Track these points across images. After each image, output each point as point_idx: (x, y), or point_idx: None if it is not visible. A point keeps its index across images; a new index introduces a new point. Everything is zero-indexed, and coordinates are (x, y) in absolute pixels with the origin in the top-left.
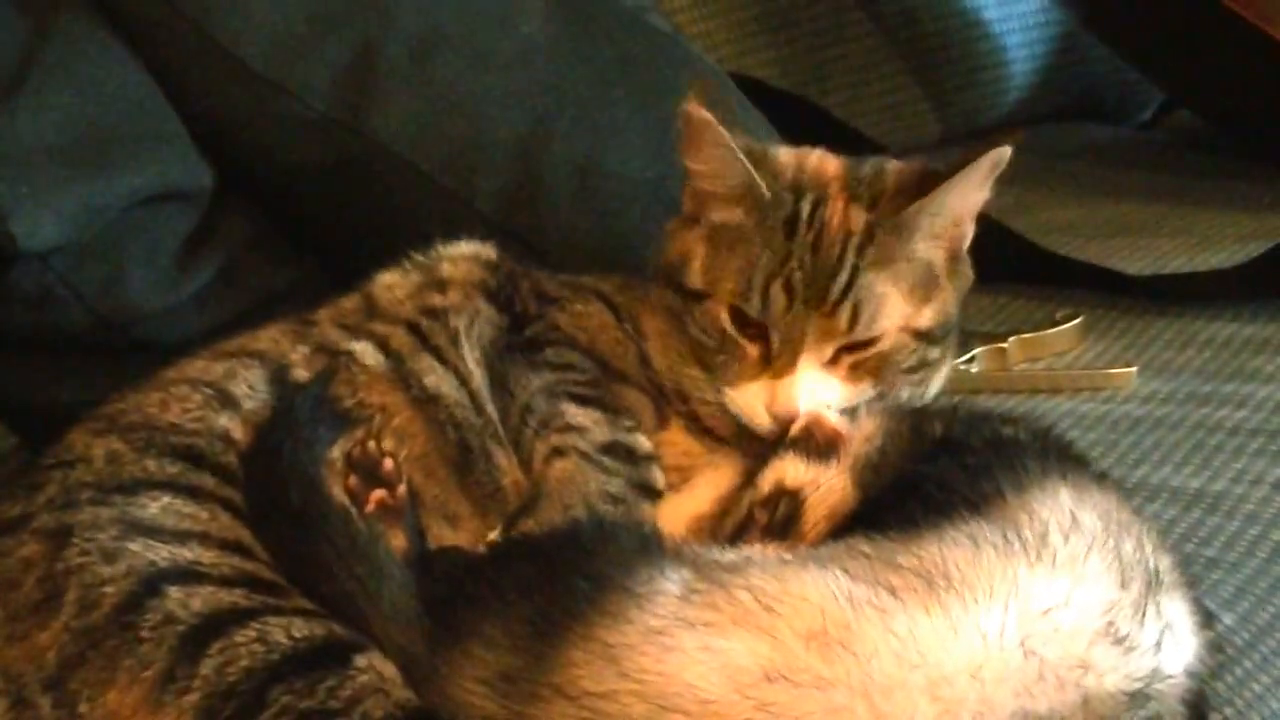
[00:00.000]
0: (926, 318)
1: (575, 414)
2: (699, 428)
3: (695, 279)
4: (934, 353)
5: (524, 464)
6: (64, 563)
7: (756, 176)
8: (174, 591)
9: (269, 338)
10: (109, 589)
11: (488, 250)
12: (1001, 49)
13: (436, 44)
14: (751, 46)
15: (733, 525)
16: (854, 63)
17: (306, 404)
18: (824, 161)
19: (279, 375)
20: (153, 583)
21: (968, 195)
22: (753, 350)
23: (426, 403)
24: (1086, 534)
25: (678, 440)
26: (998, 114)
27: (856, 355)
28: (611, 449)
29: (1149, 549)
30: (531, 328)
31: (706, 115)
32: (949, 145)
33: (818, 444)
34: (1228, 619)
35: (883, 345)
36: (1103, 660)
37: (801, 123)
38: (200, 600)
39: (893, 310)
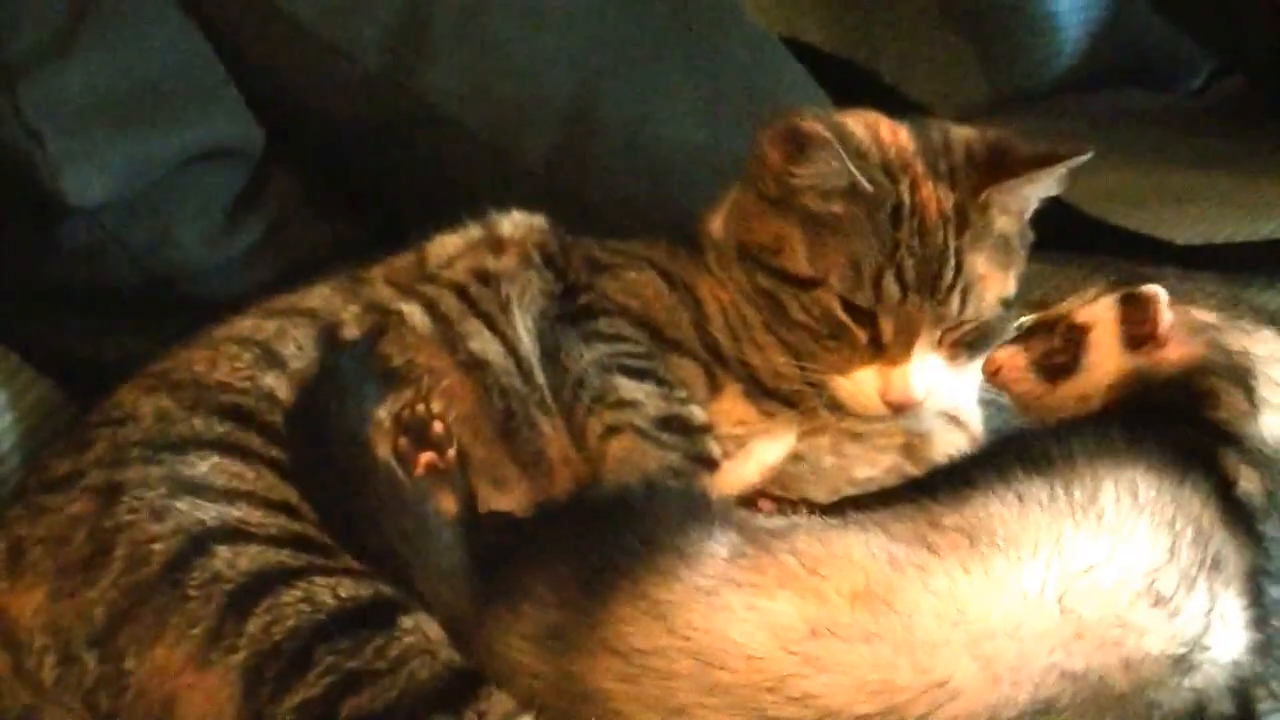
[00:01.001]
0: (1011, 286)
1: (628, 388)
2: (756, 392)
3: (800, 266)
4: (1012, 315)
5: (576, 437)
6: (113, 520)
7: (861, 178)
8: (222, 550)
9: (320, 295)
10: (158, 546)
11: (540, 220)
12: (1053, 14)
13: (486, 3)
14: (802, 9)
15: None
16: (904, 27)
17: (353, 362)
18: (896, 134)
19: (329, 334)
20: (201, 541)
21: (1045, 186)
22: (863, 336)
23: (473, 367)
24: (1141, 503)
25: (733, 408)
26: (1048, 79)
27: (959, 333)
28: (667, 423)
29: (1216, 542)
30: (584, 296)
31: (826, 134)
32: (998, 112)
33: None
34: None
35: (983, 317)
36: (1142, 620)
37: (851, 87)
38: (248, 559)
39: (992, 287)
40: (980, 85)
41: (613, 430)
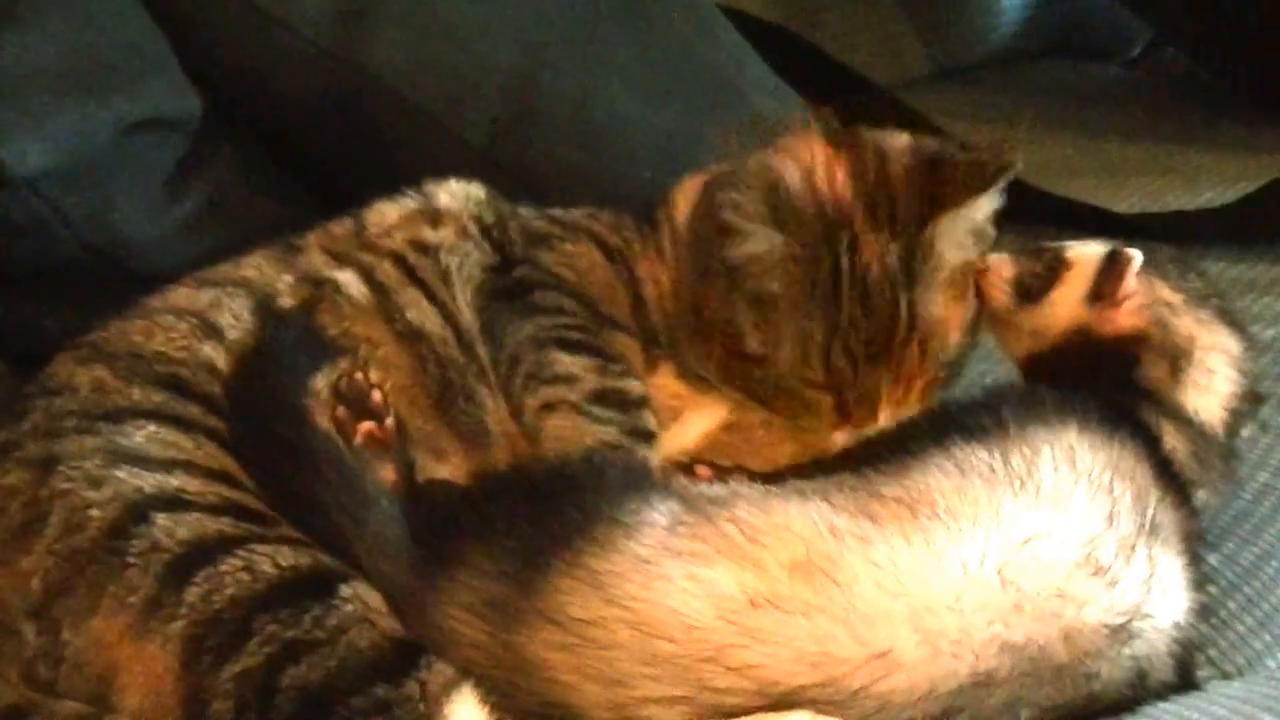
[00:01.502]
0: (971, 306)
1: (564, 362)
2: (689, 371)
3: (752, 345)
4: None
5: (514, 413)
6: (49, 489)
7: (795, 248)
8: (161, 519)
9: (253, 265)
10: (94, 513)
11: (477, 189)
12: None
13: None
14: None
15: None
16: None
17: (290, 333)
18: (833, 177)
19: (264, 304)
20: (139, 509)
21: (983, 208)
22: (826, 403)
23: (410, 337)
24: (1079, 470)
25: (667, 383)
26: (987, 49)
27: (924, 380)
28: (602, 397)
29: (1153, 504)
30: (520, 270)
31: (735, 196)
32: (938, 81)
33: None
34: (1212, 559)
35: (947, 356)
36: (1080, 591)
37: (792, 57)
38: (186, 528)
39: (955, 326)
40: (920, 56)
41: (549, 407)
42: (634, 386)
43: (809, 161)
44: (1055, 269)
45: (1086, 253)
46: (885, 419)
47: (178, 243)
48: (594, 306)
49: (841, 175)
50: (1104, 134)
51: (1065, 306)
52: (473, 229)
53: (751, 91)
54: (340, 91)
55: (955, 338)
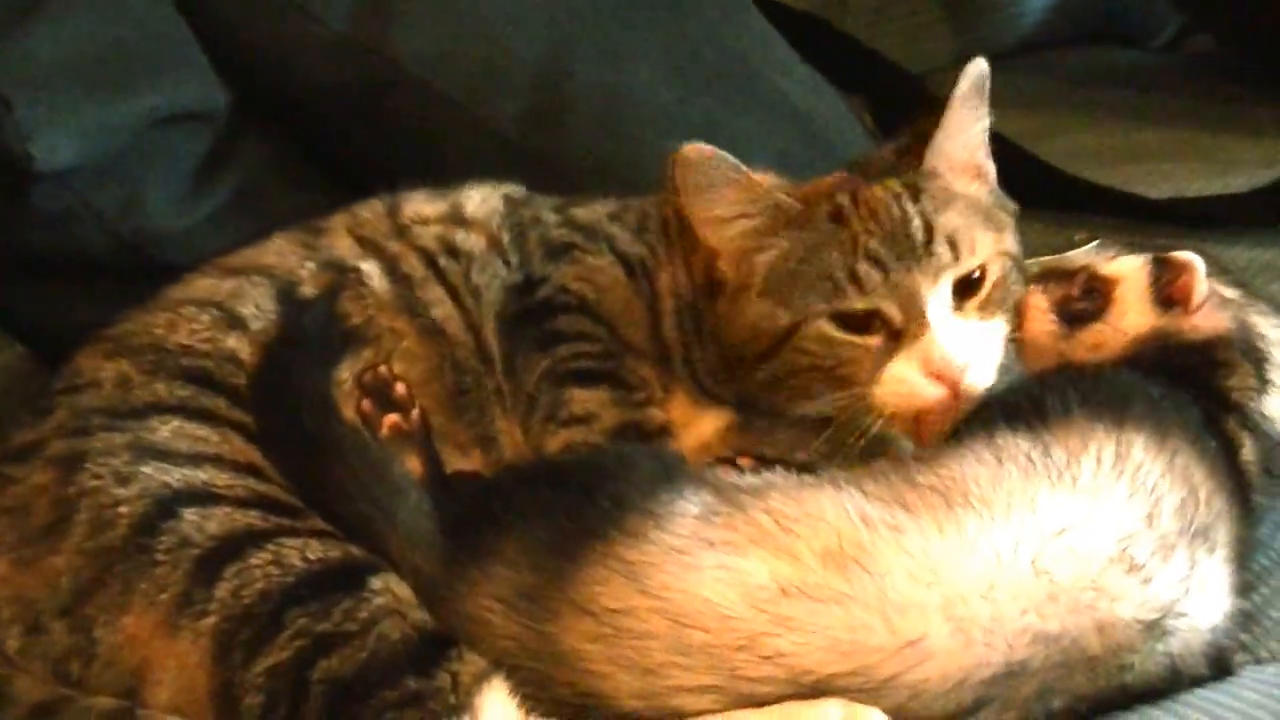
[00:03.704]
0: (1009, 241)
1: (582, 399)
2: (699, 393)
3: (783, 319)
4: (1022, 274)
5: (532, 449)
6: (76, 486)
7: (781, 195)
8: (189, 514)
9: (276, 250)
10: (123, 509)
11: (498, 200)
12: None
13: None
14: None
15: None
16: None
17: (314, 322)
18: (820, 180)
19: (286, 293)
20: (167, 505)
21: (968, 121)
22: (874, 340)
23: (433, 333)
24: (1126, 467)
25: (679, 405)
26: (1016, 37)
27: (976, 295)
28: (623, 431)
29: (1207, 511)
30: (542, 290)
31: (707, 148)
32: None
33: None
34: None
35: (993, 273)
36: (1115, 585)
37: (821, 44)
38: (215, 522)
39: (981, 235)
40: (950, 44)
41: (569, 450)
42: (654, 416)
43: (784, 182)
44: (1098, 288)
45: (1125, 265)
46: (946, 333)
47: (206, 235)
48: (614, 328)
49: (832, 175)
50: (1135, 120)
51: (1134, 318)
52: (502, 238)
53: (781, 79)
54: (367, 82)
55: (987, 249)
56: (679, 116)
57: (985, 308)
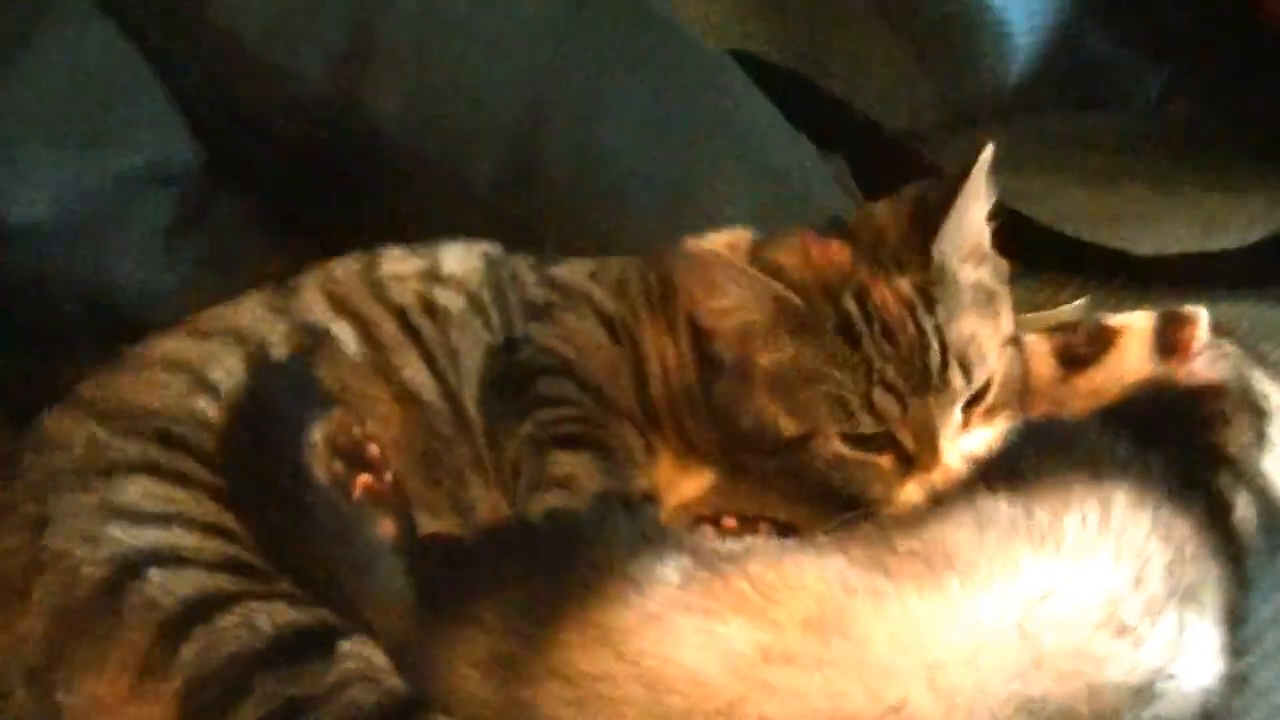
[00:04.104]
0: (1007, 325)
1: (564, 464)
2: (685, 452)
3: (790, 428)
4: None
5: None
6: (44, 548)
7: (781, 289)
8: (155, 575)
9: (249, 311)
10: (87, 570)
11: (477, 260)
12: (1002, 22)
13: (434, 26)
14: (750, 27)
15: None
16: (854, 43)
17: (284, 383)
18: (824, 249)
19: (257, 355)
20: (134, 565)
21: (975, 209)
22: (886, 460)
23: (406, 399)
24: (1110, 528)
25: (664, 466)
26: (999, 97)
27: (981, 403)
28: (603, 499)
29: (1196, 570)
30: (523, 351)
31: (709, 246)
32: (949, 128)
33: None
34: None
35: (997, 376)
36: (1103, 649)
37: (801, 101)
38: (183, 584)
39: (989, 340)
40: (930, 103)
41: (548, 514)
42: (637, 482)
43: (796, 245)
44: (1101, 335)
45: (1132, 316)
46: (952, 456)
47: (178, 295)
48: (597, 390)
49: (836, 247)
50: (1119, 181)
51: (1132, 364)
52: (485, 296)
53: (760, 138)
54: (342, 141)
55: (994, 352)
56: (657, 177)
57: (989, 413)
